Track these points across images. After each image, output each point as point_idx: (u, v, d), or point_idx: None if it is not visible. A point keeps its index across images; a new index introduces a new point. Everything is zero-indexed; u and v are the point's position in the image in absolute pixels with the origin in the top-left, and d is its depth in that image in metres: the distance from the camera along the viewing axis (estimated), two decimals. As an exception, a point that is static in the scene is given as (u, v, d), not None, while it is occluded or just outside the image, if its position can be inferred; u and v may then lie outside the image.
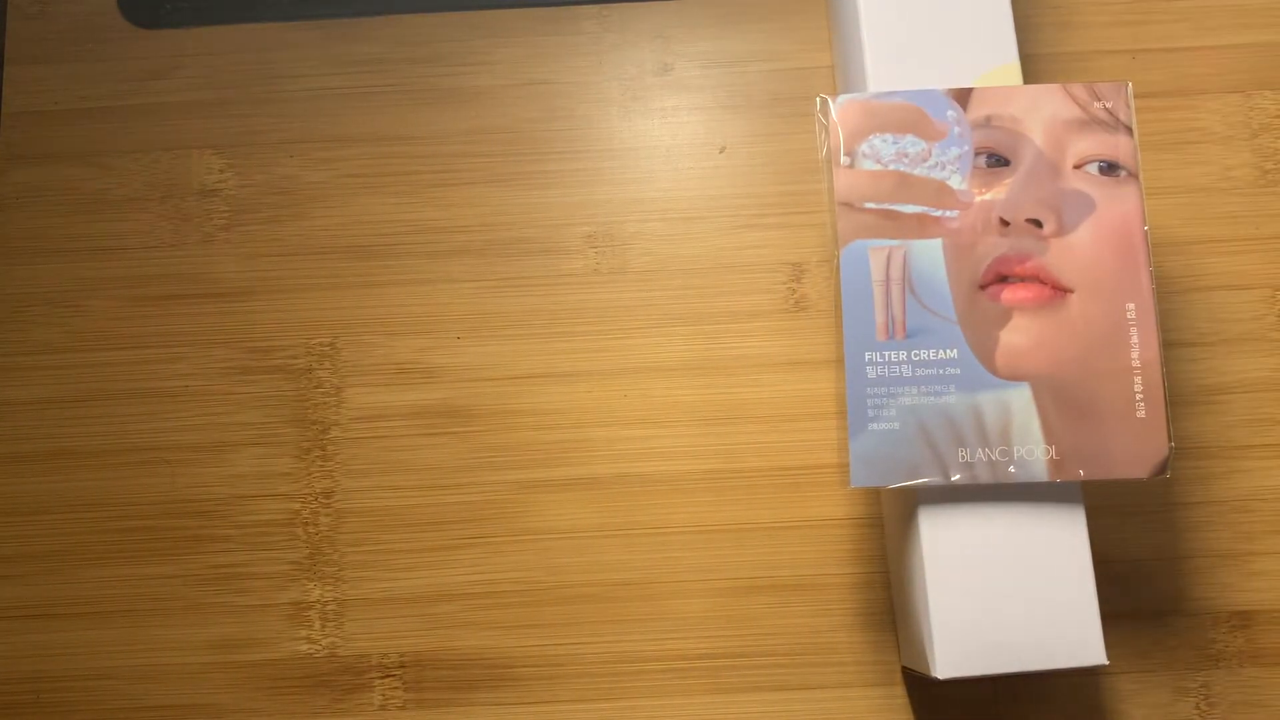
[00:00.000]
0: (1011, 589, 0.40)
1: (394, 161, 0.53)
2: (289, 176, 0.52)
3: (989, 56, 0.45)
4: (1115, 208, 0.41)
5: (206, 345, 0.51)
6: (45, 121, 0.53)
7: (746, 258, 0.51)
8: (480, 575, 0.48)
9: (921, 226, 0.42)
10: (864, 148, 0.42)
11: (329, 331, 0.51)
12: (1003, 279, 0.41)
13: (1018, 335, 0.40)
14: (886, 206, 0.42)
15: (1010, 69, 0.44)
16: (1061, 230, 0.41)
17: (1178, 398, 0.49)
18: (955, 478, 0.40)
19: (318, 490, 0.49)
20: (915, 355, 0.41)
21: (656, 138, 0.53)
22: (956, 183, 0.42)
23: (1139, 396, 0.40)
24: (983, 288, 0.41)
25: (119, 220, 0.52)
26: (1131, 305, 0.40)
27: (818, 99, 0.43)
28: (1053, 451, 0.40)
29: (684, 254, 0.51)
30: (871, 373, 0.41)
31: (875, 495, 0.49)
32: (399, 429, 0.50)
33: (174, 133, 0.53)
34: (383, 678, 0.47)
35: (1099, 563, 0.40)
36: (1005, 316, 0.41)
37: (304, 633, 0.48)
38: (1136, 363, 0.40)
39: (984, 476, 0.40)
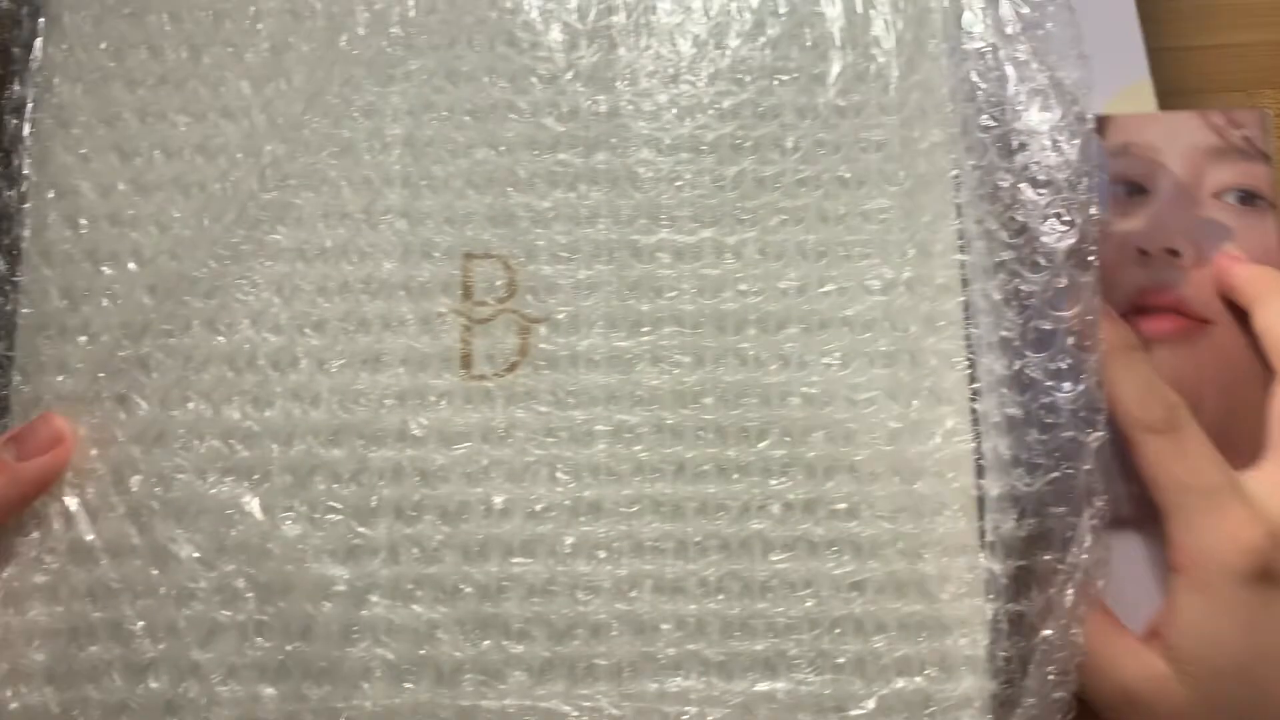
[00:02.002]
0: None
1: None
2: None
3: (1118, 76, 0.43)
4: (1254, 238, 0.40)
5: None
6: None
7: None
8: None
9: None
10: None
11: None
12: (1142, 310, 0.40)
13: (1157, 368, 0.39)
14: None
15: (1141, 87, 0.43)
16: (1200, 261, 0.40)
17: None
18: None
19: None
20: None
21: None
22: (1094, 212, 0.41)
23: None
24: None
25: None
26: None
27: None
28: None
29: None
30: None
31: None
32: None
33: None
34: None
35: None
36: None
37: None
38: None
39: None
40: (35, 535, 0.34)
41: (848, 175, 0.37)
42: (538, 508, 0.35)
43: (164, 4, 0.37)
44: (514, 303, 0.36)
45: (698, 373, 0.35)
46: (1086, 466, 0.34)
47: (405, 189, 0.36)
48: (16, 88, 0.36)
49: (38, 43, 0.36)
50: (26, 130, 0.36)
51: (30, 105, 0.36)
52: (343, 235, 0.36)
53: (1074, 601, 0.33)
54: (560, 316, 0.36)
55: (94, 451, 0.34)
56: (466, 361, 0.35)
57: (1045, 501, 0.34)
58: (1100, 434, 0.34)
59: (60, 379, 0.35)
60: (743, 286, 0.36)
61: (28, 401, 0.34)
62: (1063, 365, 0.34)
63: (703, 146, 0.37)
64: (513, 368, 0.35)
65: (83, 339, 0.35)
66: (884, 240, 0.36)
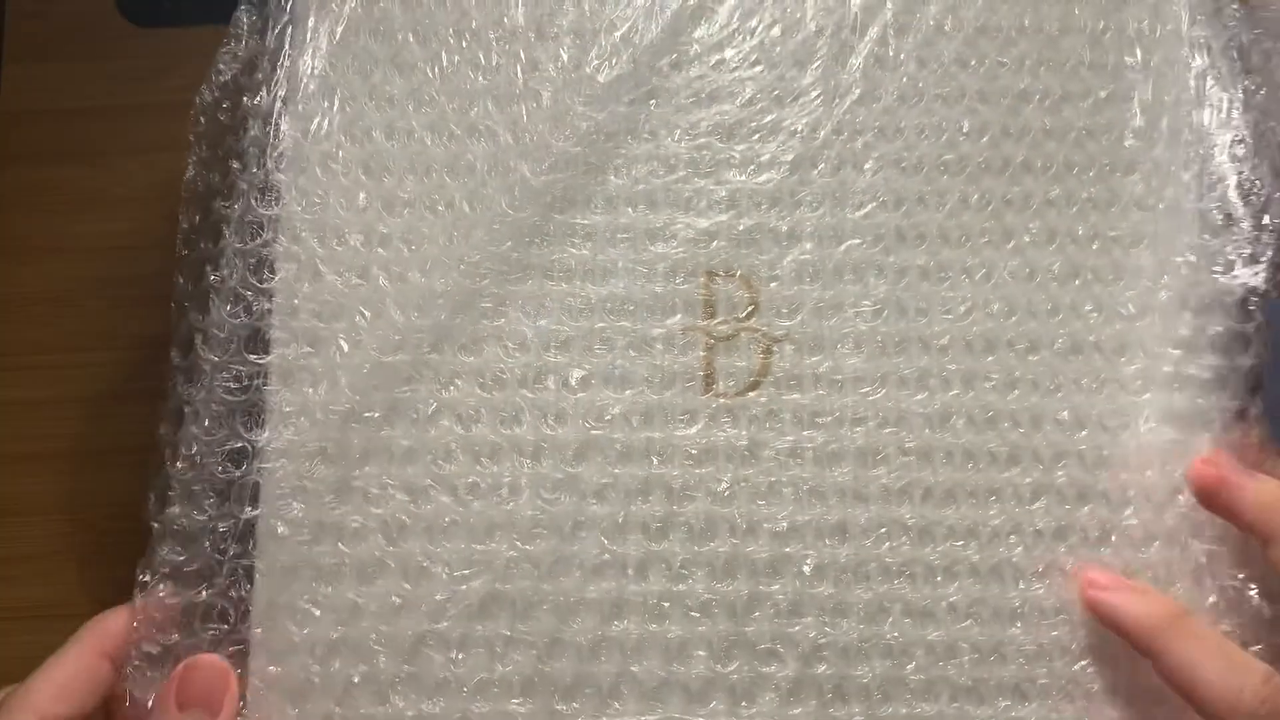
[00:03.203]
0: None
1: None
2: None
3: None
4: None
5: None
6: (44, 121, 0.49)
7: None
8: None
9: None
10: None
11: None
12: None
13: None
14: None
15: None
16: None
17: None
18: None
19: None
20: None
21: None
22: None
23: None
24: None
25: (119, 220, 0.48)
26: None
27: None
28: None
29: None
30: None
31: None
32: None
33: (174, 132, 0.46)
34: None
35: None
36: None
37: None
38: None
39: None
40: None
41: (1097, 197, 0.36)
42: (782, 528, 0.35)
43: (409, 22, 0.37)
44: (755, 322, 0.36)
45: (945, 396, 0.35)
46: None
47: (648, 207, 0.36)
48: (264, 96, 0.37)
49: (284, 53, 0.37)
50: (279, 143, 0.36)
51: (278, 116, 0.36)
52: (586, 255, 0.36)
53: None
54: (802, 336, 0.36)
55: (351, 470, 0.35)
56: (709, 380, 0.35)
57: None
58: None
59: (313, 390, 0.35)
60: (992, 309, 0.36)
61: (284, 412, 0.35)
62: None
63: (950, 167, 0.37)
64: (754, 387, 0.35)
65: (335, 352, 0.35)
66: (1136, 264, 0.36)
